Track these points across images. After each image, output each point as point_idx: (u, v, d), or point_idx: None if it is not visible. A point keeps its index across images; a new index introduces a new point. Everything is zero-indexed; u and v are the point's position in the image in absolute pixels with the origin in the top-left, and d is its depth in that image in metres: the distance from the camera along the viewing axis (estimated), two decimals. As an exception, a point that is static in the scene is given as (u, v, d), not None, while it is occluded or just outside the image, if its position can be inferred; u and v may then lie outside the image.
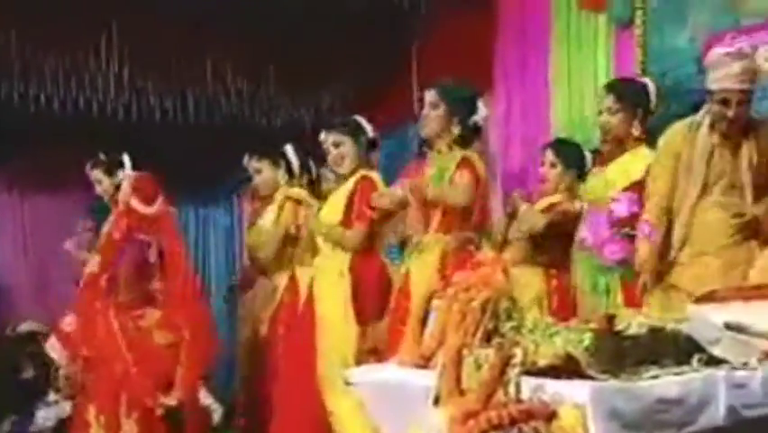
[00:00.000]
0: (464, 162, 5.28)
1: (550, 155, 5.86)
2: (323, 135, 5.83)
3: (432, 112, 5.33)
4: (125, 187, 5.95)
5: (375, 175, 5.76)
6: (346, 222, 5.67)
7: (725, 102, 4.53)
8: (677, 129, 4.79)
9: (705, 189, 4.61)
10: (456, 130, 5.31)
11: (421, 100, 5.57)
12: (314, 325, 5.67)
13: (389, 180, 6.04)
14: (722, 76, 4.50)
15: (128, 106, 7.98)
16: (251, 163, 6.61)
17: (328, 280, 5.67)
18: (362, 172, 5.73)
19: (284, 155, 6.60)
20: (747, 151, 4.61)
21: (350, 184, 5.72)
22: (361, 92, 8.68)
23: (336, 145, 5.76)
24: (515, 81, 7.69)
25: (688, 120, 4.78)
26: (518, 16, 7.61)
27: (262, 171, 6.59)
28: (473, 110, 5.38)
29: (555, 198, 5.64)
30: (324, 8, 7.76)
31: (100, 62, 7.68)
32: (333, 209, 5.76)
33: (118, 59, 7.70)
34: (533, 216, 5.57)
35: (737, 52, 4.49)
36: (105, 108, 7.88)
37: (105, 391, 5.67)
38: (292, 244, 6.31)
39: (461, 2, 7.79)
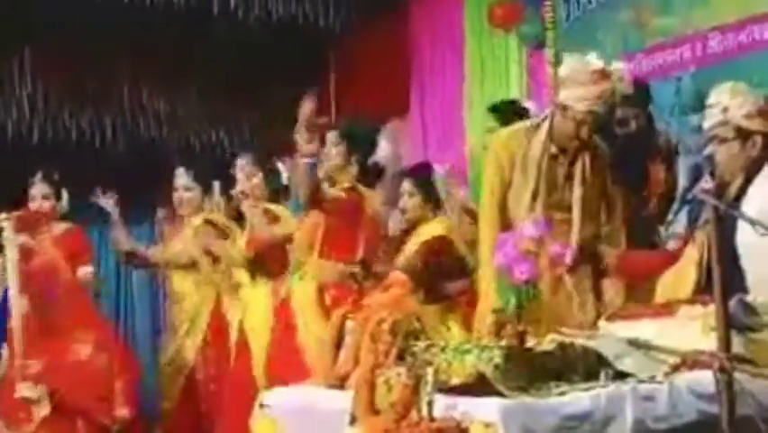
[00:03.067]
0: (349, 189, 5.36)
1: (407, 185, 5.57)
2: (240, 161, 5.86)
3: (332, 150, 5.41)
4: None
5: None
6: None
7: (581, 123, 4.38)
8: (515, 132, 4.64)
9: (535, 196, 4.45)
10: (354, 169, 5.38)
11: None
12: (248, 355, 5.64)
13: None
14: (588, 95, 4.32)
15: (43, 129, 7.89)
16: (183, 178, 6.53)
17: (261, 311, 5.66)
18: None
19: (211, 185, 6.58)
20: (581, 168, 4.51)
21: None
22: (279, 112, 8.68)
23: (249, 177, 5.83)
24: (431, 100, 7.78)
25: (527, 123, 4.68)
26: (433, 37, 7.69)
27: (192, 191, 6.52)
28: (372, 149, 5.47)
29: (437, 231, 5.38)
30: (241, 28, 7.75)
31: (14, 86, 7.60)
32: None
33: (31, 83, 7.62)
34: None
35: (602, 72, 4.33)
36: (19, 132, 7.78)
37: (59, 419, 5.64)
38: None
39: (377, 21, 7.85)
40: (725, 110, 3.90)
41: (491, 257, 4.19)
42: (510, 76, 7.07)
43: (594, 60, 4.36)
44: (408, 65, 7.89)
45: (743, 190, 3.87)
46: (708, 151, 4.04)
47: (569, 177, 4.51)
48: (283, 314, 5.40)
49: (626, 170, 4.91)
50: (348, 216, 5.31)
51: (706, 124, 4.03)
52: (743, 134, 3.89)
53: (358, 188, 5.37)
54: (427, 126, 7.78)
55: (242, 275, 6.00)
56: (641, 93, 5.20)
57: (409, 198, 5.40)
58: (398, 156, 6.21)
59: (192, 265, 6.34)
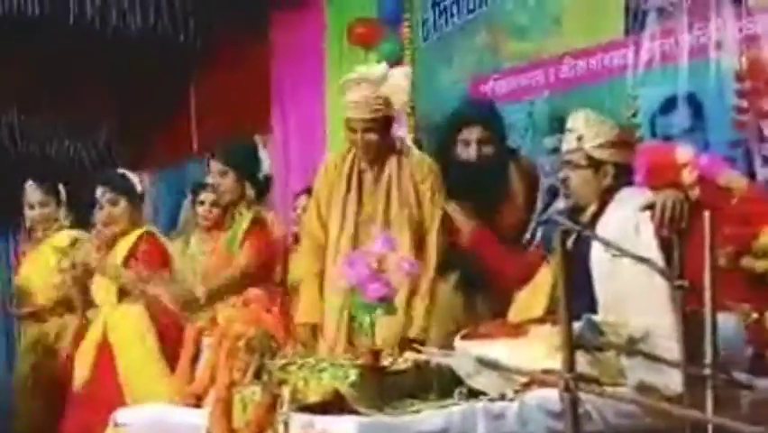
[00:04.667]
0: (254, 227, 5.21)
1: (304, 201, 5.87)
2: (99, 192, 5.74)
3: (222, 181, 5.27)
4: None
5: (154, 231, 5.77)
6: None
7: (352, 130, 4.54)
8: (331, 158, 4.83)
9: (345, 211, 4.59)
10: (251, 192, 5.25)
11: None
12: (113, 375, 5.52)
13: (169, 214, 5.98)
14: (347, 103, 4.53)
15: None
16: (36, 194, 6.35)
17: (128, 328, 5.54)
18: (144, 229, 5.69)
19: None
20: (386, 182, 4.59)
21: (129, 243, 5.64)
22: (139, 125, 8.61)
23: (112, 204, 5.68)
24: (292, 118, 7.82)
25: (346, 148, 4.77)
26: (293, 55, 7.72)
27: (47, 206, 6.34)
28: (259, 164, 5.34)
29: None
30: (102, 40, 7.65)
31: None
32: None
33: None
34: None
35: (361, 78, 4.49)
36: None
37: None
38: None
39: (237, 39, 7.84)
40: (579, 138, 4.00)
41: (311, 271, 4.64)
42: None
43: (361, 68, 4.55)
44: (268, 83, 7.91)
45: (597, 216, 3.98)
46: (562, 174, 4.12)
47: (376, 191, 4.59)
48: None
49: (470, 195, 4.77)
50: (264, 263, 5.23)
51: (563, 148, 4.12)
52: (595, 163, 3.99)
53: (261, 215, 5.25)
54: (288, 144, 7.81)
55: (104, 292, 5.85)
56: (487, 115, 4.96)
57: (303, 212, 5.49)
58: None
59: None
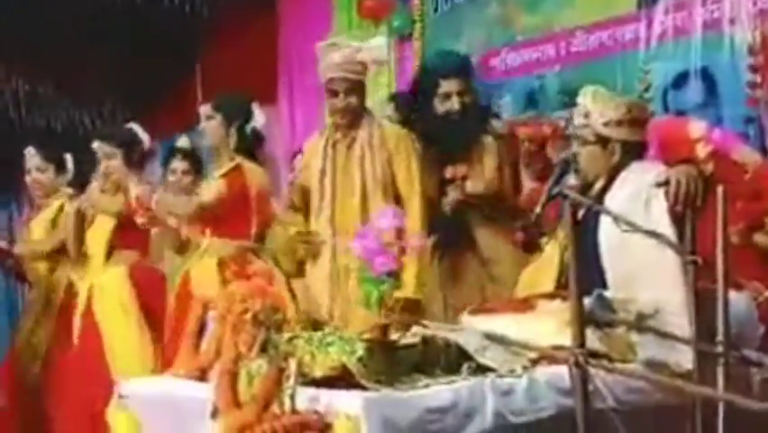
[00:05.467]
0: (232, 171, 5.24)
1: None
2: (95, 144, 5.73)
3: (208, 123, 5.31)
4: None
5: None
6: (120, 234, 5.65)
7: (334, 93, 4.65)
8: (313, 138, 4.98)
9: (323, 183, 4.72)
10: (233, 139, 5.25)
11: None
12: (98, 340, 5.52)
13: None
14: (325, 67, 4.67)
15: None
16: (36, 160, 6.32)
17: (110, 295, 5.55)
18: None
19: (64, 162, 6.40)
20: (359, 154, 4.70)
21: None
22: (145, 96, 8.57)
23: (108, 157, 5.68)
24: (299, 90, 7.78)
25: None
26: (301, 25, 7.67)
27: (46, 172, 6.31)
28: (249, 117, 5.34)
29: None
30: (109, 9, 7.62)
31: None
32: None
33: None
34: None
35: (340, 42, 4.75)
36: None
37: None
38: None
39: (245, 10, 7.80)
40: (587, 115, 3.95)
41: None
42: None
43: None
44: (276, 55, 7.87)
45: (604, 191, 3.94)
46: (573, 149, 4.08)
47: (350, 163, 4.69)
48: (184, 293, 5.25)
49: (449, 149, 4.90)
50: (234, 202, 5.21)
51: (574, 122, 4.08)
52: (602, 140, 3.93)
53: (241, 165, 5.24)
54: (295, 116, 7.78)
55: (97, 243, 5.83)
56: (461, 67, 5.03)
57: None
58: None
59: (56, 252, 6.16)
